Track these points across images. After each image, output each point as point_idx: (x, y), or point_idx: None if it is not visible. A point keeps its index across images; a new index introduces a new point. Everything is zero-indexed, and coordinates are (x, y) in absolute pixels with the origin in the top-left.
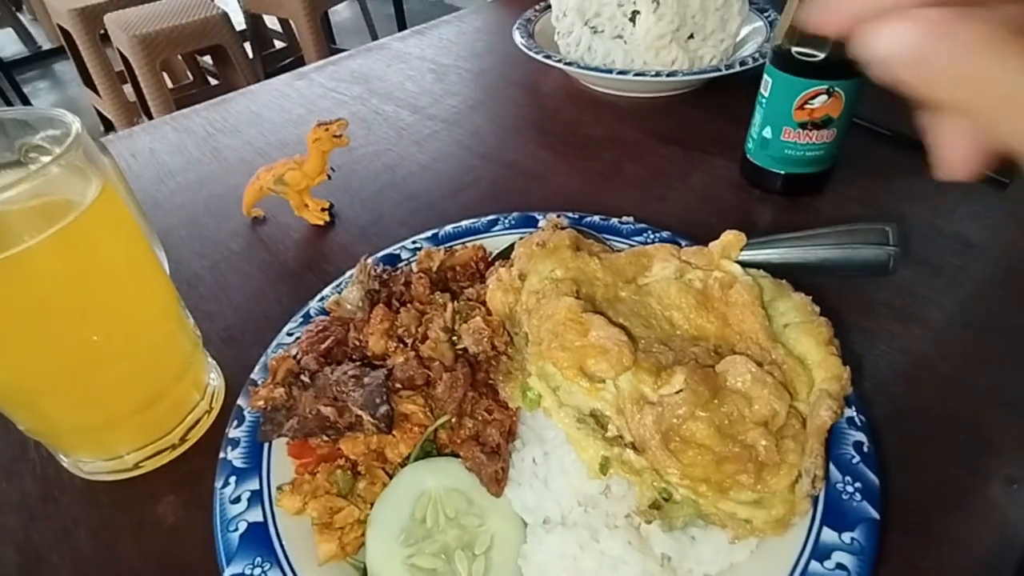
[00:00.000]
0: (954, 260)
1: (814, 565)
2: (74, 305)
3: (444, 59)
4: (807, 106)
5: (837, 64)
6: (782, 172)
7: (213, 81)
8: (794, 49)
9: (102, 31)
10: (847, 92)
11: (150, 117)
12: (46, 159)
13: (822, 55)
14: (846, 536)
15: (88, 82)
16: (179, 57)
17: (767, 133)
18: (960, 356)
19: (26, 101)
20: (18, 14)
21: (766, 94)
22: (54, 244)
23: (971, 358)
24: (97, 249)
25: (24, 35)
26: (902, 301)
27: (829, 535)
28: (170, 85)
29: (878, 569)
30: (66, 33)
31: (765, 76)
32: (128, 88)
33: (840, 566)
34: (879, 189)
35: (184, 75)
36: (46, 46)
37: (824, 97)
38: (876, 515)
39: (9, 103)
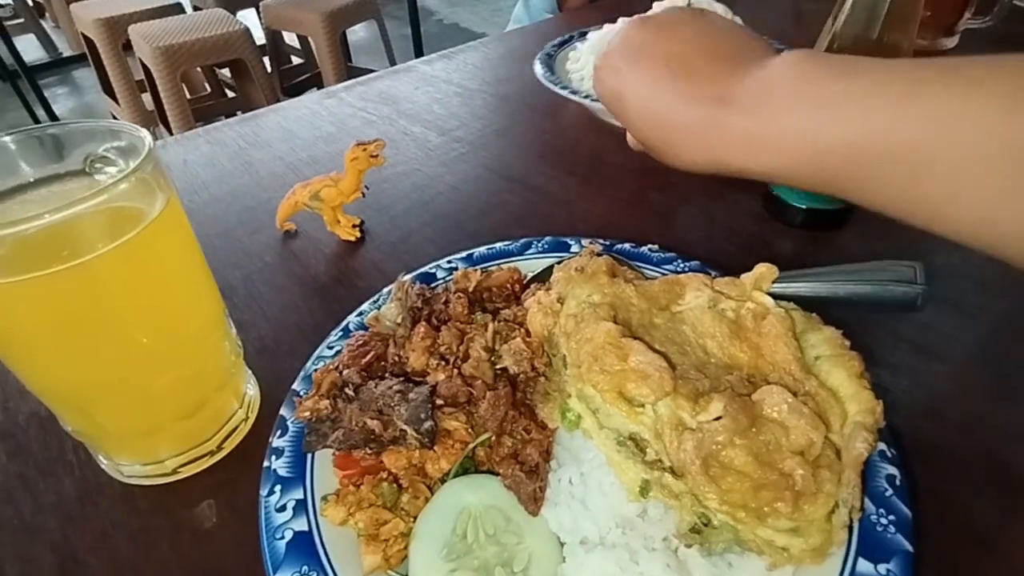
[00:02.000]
0: (974, 299)
1: None
2: (134, 313)
3: (470, 83)
4: None
5: None
6: (803, 207)
7: (230, 94)
8: None
9: (124, 40)
10: None
11: (167, 126)
12: (111, 169)
13: None
14: (882, 567)
15: (107, 90)
16: (198, 69)
17: None
18: (983, 393)
19: (48, 107)
20: (40, 21)
21: None
22: (122, 253)
23: (994, 395)
24: (161, 259)
25: (46, 41)
26: (924, 338)
27: (865, 566)
28: (188, 96)
29: None
30: (89, 41)
31: None
32: (147, 97)
33: None
34: (897, 225)
35: (202, 86)
36: (66, 53)
37: None
38: (910, 547)
39: (30, 108)
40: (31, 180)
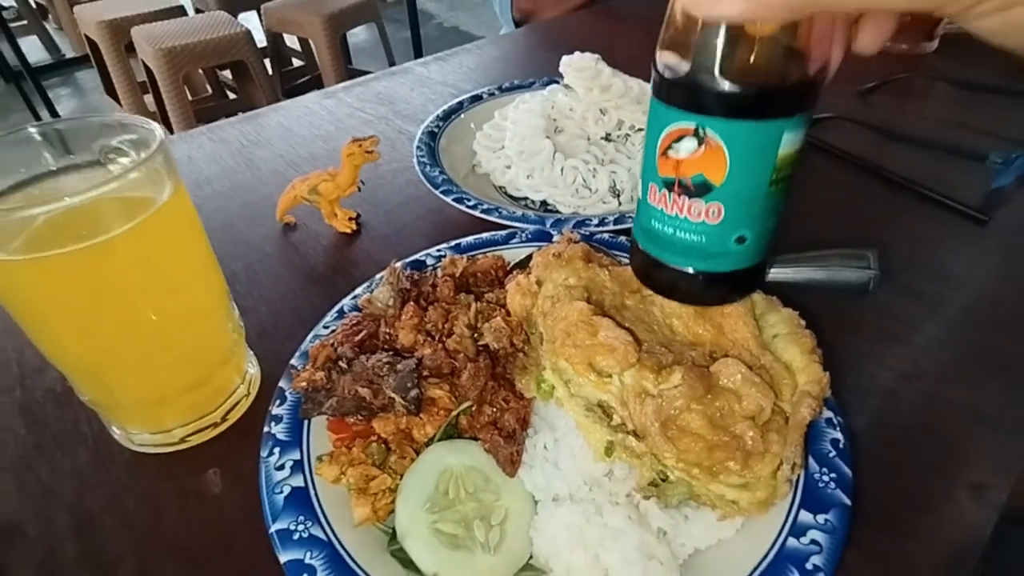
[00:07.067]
0: (935, 288)
1: (791, 541)
2: (144, 291)
3: (464, 85)
4: (670, 152)
5: (717, 92)
6: (649, 253)
7: (232, 95)
8: (660, 60)
9: (127, 42)
10: (732, 143)
11: (169, 127)
12: (124, 160)
13: (684, 70)
14: (820, 518)
15: (110, 91)
16: (200, 71)
17: (639, 190)
18: (937, 375)
19: (52, 107)
20: (44, 23)
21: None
22: (134, 235)
23: (947, 377)
24: (169, 242)
25: (48, 43)
26: (885, 323)
27: (805, 516)
28: (190, 97)
29: (849, 556)
30: (92, 43)
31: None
32: (149, 98)
33: (814, 542)
34: (858, 214)
35: (204, 88)
36: (69, 54)
37: (692, 142)
38: (848, 501)
39: (33, 109)
40: (52, 168)
